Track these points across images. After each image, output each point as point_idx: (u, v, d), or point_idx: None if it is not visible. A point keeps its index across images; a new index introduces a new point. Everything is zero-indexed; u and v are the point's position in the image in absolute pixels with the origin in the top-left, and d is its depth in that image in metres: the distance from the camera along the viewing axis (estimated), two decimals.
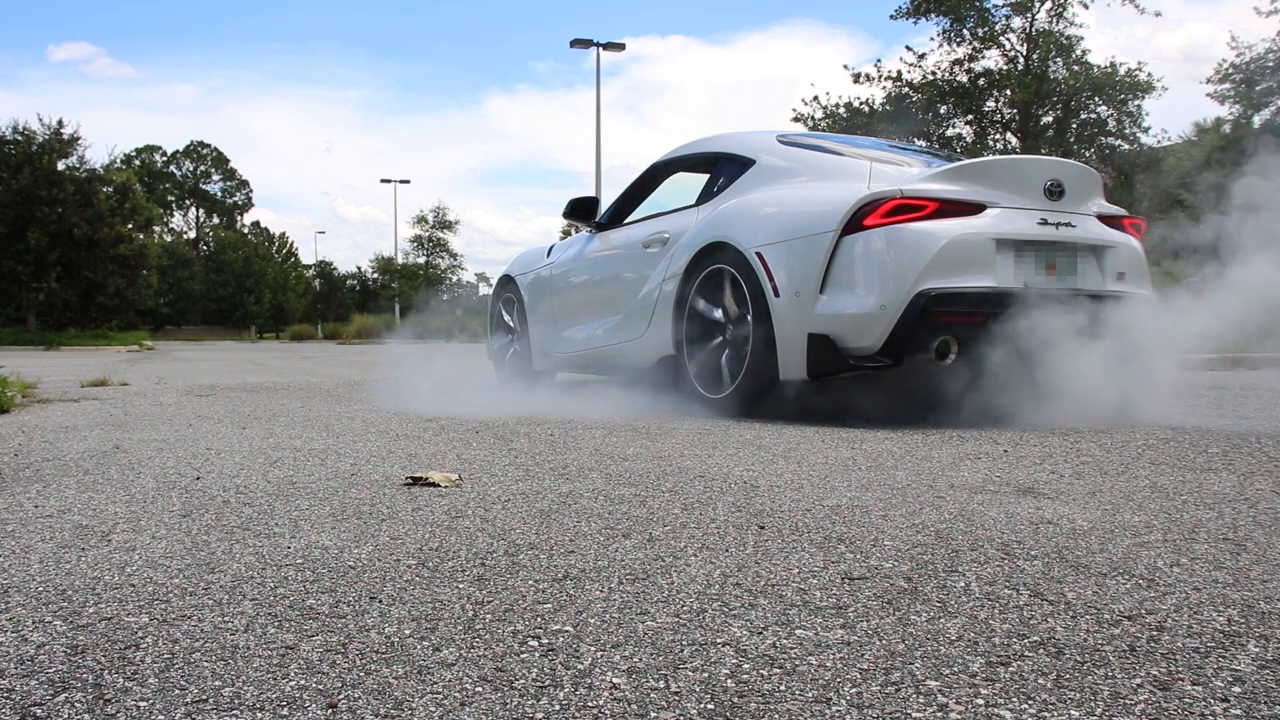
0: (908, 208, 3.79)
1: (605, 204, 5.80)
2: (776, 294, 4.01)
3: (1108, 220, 4.25)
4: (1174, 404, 3.93)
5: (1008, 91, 23.50)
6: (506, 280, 6.48)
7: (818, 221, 3.94)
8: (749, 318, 4.15)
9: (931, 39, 26.60)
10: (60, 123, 29.40)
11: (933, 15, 23.76)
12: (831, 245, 3.86)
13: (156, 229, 46.23)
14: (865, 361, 3.80)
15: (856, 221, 3.82)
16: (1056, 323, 3.71)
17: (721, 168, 4.80)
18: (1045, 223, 3.95)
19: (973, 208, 3.86)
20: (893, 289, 3.72)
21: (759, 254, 4.10)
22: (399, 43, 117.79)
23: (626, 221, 5.45)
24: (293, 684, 1.13)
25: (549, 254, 6.05)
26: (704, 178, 4.96)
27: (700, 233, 4.53)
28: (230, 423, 4.12)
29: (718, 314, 4.42)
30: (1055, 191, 4.02)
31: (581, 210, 5.65)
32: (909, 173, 4.16)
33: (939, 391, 3.91)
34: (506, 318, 6.50)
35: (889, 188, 3.86)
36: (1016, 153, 23.05)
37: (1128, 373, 3.82)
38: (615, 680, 1.13)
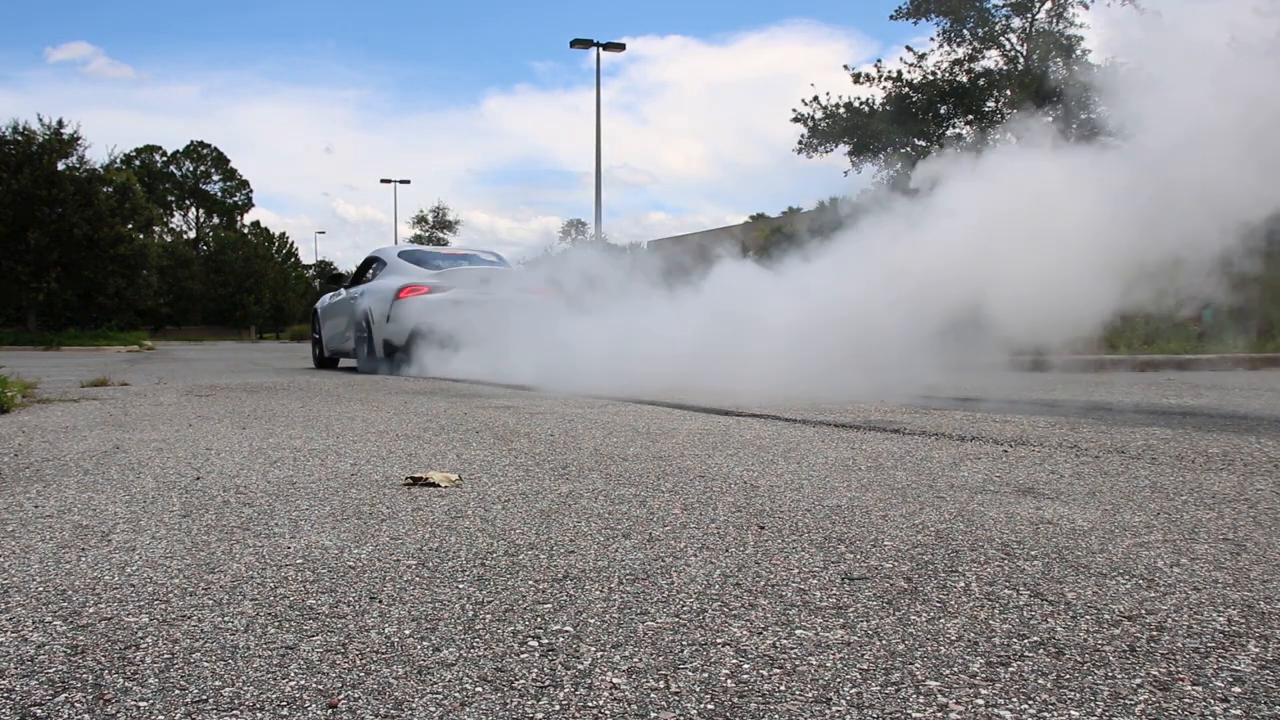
0: (417, 289, 9.28)
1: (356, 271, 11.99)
2: (375, 323, 9.42)
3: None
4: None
5: (1008, 91, 23.49)
6: (314, 310, 12.41)
7: (388, 294, 9.36)
8: (370, 332, 9.58)
9: (931, 39, 26.53)
10: (60, 123, 29.37)
11: (933, 16, 23.74)
12: (390, 303, 9.26)
13: (156, 229, 46.20)
14: (401, 351, 9.12)
15: (399, 294, 9.25)
16: (485, 331, 8.39)
17: (375, 266, 10.57)
18: (480, 294, 9.15)
19: (445, 289, 9.25)
20: (409, 324, 9.06)
21: (370, 308, 9.60)
22: (398, 42, 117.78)
23: (351, 286, 10.96)
24: (293, 684, 1.12)
25: (329, 297, 11.68)
26: (370, 267, 10.80)
27: (361, 297, 10.01)
28: (230, 423, 4.12)
29: (363, 330, 9.78)
30: (486, 280, 9.41)
31: (334, 279, 13.19)
32: (426, 274, 9.61)
33: (419, 362, 8.91)
34: (315, 328, 12.19)
35: (414, 280, 9.43)
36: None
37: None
38: (615, 680, 1.13)
